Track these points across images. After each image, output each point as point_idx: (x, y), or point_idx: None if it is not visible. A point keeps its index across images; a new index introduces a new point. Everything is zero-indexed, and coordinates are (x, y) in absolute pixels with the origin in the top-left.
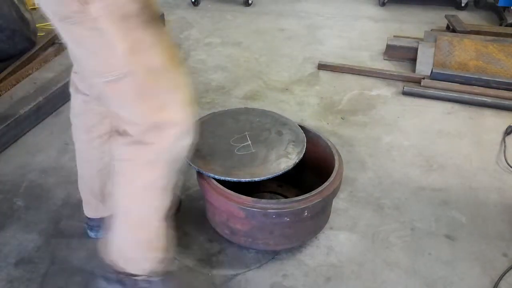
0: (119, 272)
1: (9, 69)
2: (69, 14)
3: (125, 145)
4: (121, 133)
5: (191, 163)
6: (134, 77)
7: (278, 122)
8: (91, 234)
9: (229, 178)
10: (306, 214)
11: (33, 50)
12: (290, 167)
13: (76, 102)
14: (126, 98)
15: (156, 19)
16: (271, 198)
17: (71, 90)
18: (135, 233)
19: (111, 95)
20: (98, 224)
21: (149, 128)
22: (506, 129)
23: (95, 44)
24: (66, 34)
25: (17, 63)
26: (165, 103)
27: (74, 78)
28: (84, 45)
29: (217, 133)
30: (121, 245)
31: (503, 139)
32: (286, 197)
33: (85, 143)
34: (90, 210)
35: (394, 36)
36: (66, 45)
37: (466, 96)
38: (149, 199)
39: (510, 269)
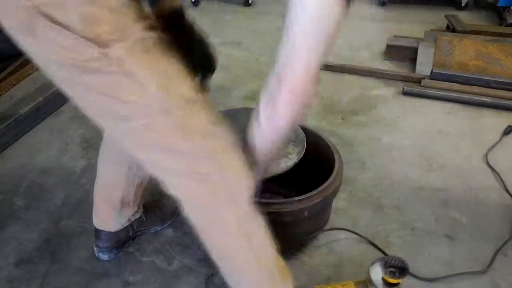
0: None
1: (9, 69)
2: (85, 64)
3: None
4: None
5: None
6: (171, 114)
7: None
8: (104, 256)
9: None
10: (306, 214)
11: None
12: (290, 167)
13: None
14: (166, 136)
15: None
16: (271, 198)
17: None
18: (264, 273)
19: (144, 140)
20: (110, 244)
21: (200, 159)
22: (506, 128)
23: (119, 89)
24: (78, 88)
25: (17, 63)
26: (209, 131)
27: None
28: (106, 93)
29: None
30: None
31: (501, 139)
32: (286, 197)
33: (118, 157)
34: (101, 221)
35: (394, 36)
36: (73, 101)
37: (466, 96)
38: (252, 230)
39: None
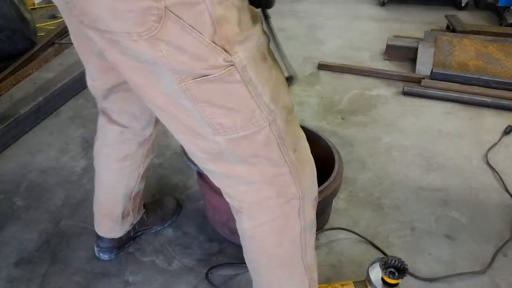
0: None
1: (9, 69)
2: (208, 71)
3: (270, 204)
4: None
5: (191, 163)
6: (275, 125)
7: None
8: (105, 256)
9: None
10: None
11: (33, 50)
12: None
13: (111, 133)
14: (267, 151)
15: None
16: None
17: (102, 121)
18: (304, 277)
19: (245, 147)
20: (111, 245)
21: (285, 169)
22: (505, 128)
23: (236, 99)
24: (188, 96)
25: (17, 63)
26: (296, 142)
27: (108, 110)
28: (216, 104)
29: None
30: None
31: (501, 139)
32: None
33: (115, 171)
34: (103, 231)
35: (394, 36)
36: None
37: (466, 96)
38: (311, 240)
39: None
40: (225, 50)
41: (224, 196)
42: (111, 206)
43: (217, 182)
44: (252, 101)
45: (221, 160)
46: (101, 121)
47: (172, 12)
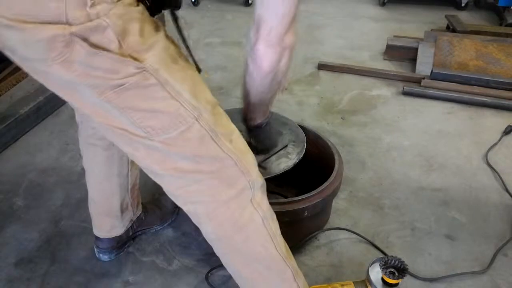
0: None
1: (9, 69)
2: (123, 81)
3: (222, 200)
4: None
5: None
6: (202, 119)
7: (278, 122)
8: (105, 257)
9: None
10: (306, 214)
11: None
12: (290, 167)
13: (88, 123)
14: (203, 145)
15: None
16: (271, 198)
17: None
18: (285, 268)
19: (182, 146)
20: (110, 245)
21: (228, 161)
22: (506, 128)
23: (157, 101)
24: (112, 105)
25: None
26: (230, 132)
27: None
28: (140, 108)
29: None
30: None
31: (500, 139)
32: (286, 197)
33: (105, 159)
34: (103, 231)
35: (394, 36)
36: (93, 119)
37: (466, 96)
38: (274, 227)
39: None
40: (134, 59)
41: (179, 205)
42: (109, 201)
43: (168, 187)
44: (173, 101)
45: (165, 161)
46: (78, 116)
47: (77, 37)
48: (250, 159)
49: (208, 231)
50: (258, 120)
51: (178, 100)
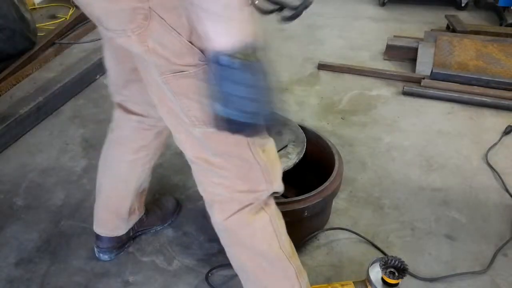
0: None
1: (9, 69)
2: (184, 68)
3: (239, 198)
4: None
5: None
6: None
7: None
8: (105, 257)
9: None
10: (306, 214)
11: (33, 50)
12: (290, 167)
13: (128, 123)
14: (240, 148)
15: None
16: None
17: (119, 113)
18: (288, 265)
19: (218, 141)
20: (111, 245)
21: (259, 171)
22: (506, 128)
23: (203, 94)
24: (168, 88)
25: (17, 63)
26: (266, 142)
27: (124, 102)
28: (191, 97)
29: None
30: None
31: (500, 139)
32: (286, 197)
33: (130, 162)
34: (106, 229)
35: (394, 36)
36: (154, 100)
37: (466, 96)
38: (280, 226)
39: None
40: (201, 51)
41: (199, 189)
42: (120, 203)
43: (195, 173)
44: None
45: (199, 151)
46: (118, 113)
47: (155, 12)
48: (277, 171)
49: (217, 221)
50: None
51: None
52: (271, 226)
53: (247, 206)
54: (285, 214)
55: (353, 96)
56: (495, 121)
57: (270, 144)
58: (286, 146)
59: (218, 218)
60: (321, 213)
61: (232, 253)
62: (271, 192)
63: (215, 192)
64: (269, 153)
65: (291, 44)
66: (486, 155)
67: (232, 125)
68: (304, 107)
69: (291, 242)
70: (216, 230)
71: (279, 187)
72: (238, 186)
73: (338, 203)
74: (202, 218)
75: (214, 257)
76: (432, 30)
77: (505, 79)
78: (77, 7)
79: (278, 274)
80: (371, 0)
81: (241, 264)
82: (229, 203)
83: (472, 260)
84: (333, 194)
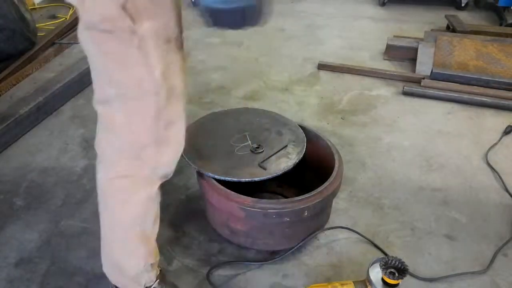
0: None
1: (9, 69)
2: (112, 29)
3: (124, 162)
4: (121, 150)
5: (191, 163)
6: (158, 97)
7: (278, 122)
8: None
9: (229, 178)
10: (306, 214)
11: (33, 50)
12: (290, 167)
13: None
14: (142, 115)
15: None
16: (271, 198)
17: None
18: (140, 245)
19: (125, 110)
20: None
21: (151, 144)
22: (506, 128)
23: (129, 61)
24: (96, 45)
25: (17, 63)
26: (172, 121)
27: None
28: (114, 59)
29: (217, 133)
30: (123, 263)
31: (501, 139)
32: (286, 197)
33: None
34: None
35: (394, 36)
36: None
37: (466, 96)
38: (151, 210)
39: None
40: (132, 18)
41: (96, 142)
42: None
43: (98, 124)
44: (143, 69)
45: (107, 106)
46: None
47: None
48: (171, 151)
49: (99, 177)
50: None
51: (147, 70)
52: (144, 206)
53: (129, 176)
54: (285, 214)
55: (353, 96)
56: (495, 121)
57: (178, 125)
58: (286, 146)
59: (100, 175)
60: (321, 213)
61: (100, 209)
62: (156, 170)
63: (105, 147)
64: (170, 132)
65: (291, 44)
66: (486, 155)
67: (213, 14)
68: (304, 107)
69: (157, 227)
70: (97, 186)
71: (167, 168)
72: (127, 149)
73: (338, 203)
74: (202, 218)
75: (214, 257)
76: (432, 30)
77: (505, 79)
78: None
79: (128, 246)
80: (371, 0)
81: (103, 222)
82: (114, 164)
83: (472, 260)
84: (333, 194)
